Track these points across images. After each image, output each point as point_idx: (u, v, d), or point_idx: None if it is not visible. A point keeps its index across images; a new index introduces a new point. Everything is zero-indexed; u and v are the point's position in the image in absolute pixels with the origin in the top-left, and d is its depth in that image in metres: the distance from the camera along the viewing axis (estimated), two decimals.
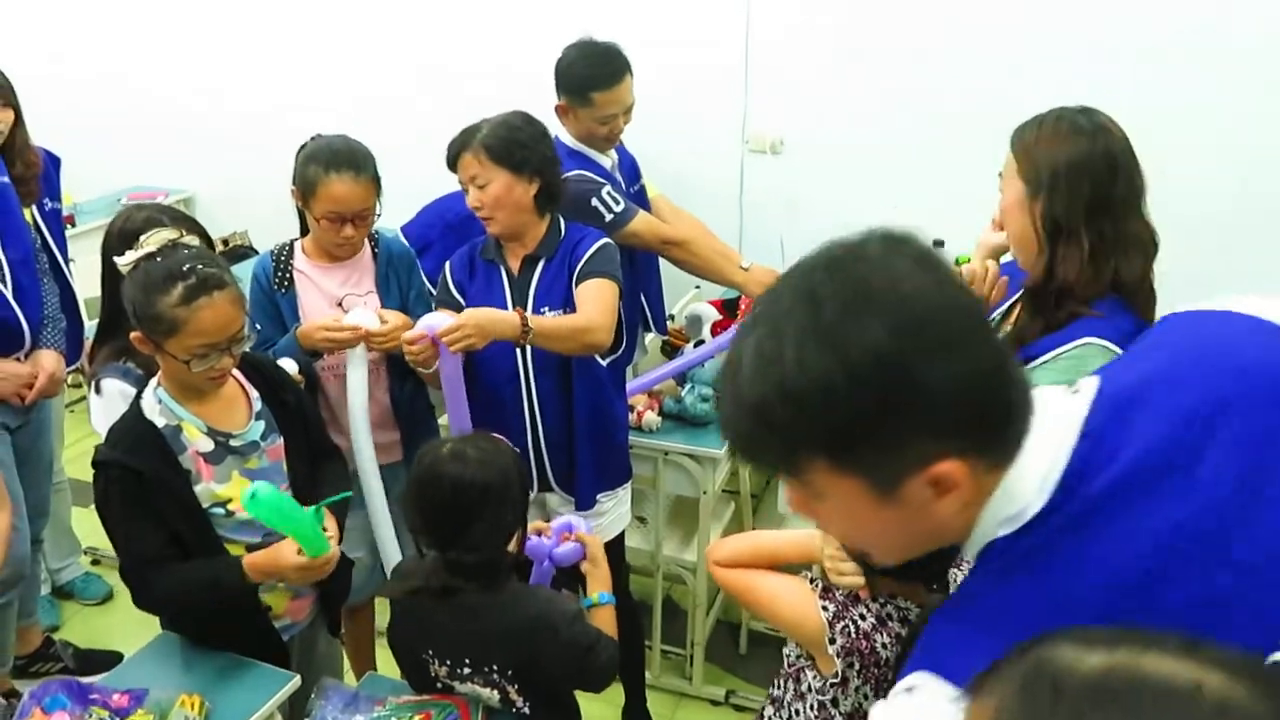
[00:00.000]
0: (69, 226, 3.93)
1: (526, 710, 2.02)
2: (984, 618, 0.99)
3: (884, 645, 1.67)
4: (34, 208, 3.14)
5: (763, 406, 0.93)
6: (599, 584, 2.13)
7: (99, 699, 2.00)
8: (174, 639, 2.26)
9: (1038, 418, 0.98)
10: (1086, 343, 1.70)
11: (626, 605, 2.62)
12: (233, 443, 2.15)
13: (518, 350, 2.54)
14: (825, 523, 1.07)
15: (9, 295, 2.77)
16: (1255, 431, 0.98)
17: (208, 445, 2.11)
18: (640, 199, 3.24)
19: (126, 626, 3.37)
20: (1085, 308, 1.72)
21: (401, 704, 2.08)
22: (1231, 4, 3.28)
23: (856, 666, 1.68)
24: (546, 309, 2.52)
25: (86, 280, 3.06)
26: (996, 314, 1.99)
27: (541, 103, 2.96)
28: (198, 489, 2.09)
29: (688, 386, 3.08)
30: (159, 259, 1.99)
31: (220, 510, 2.12)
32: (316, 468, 2.30)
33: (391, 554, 2.67)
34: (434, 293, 2.73)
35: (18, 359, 2.86)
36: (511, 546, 1.99)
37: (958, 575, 1.53)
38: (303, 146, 2.61)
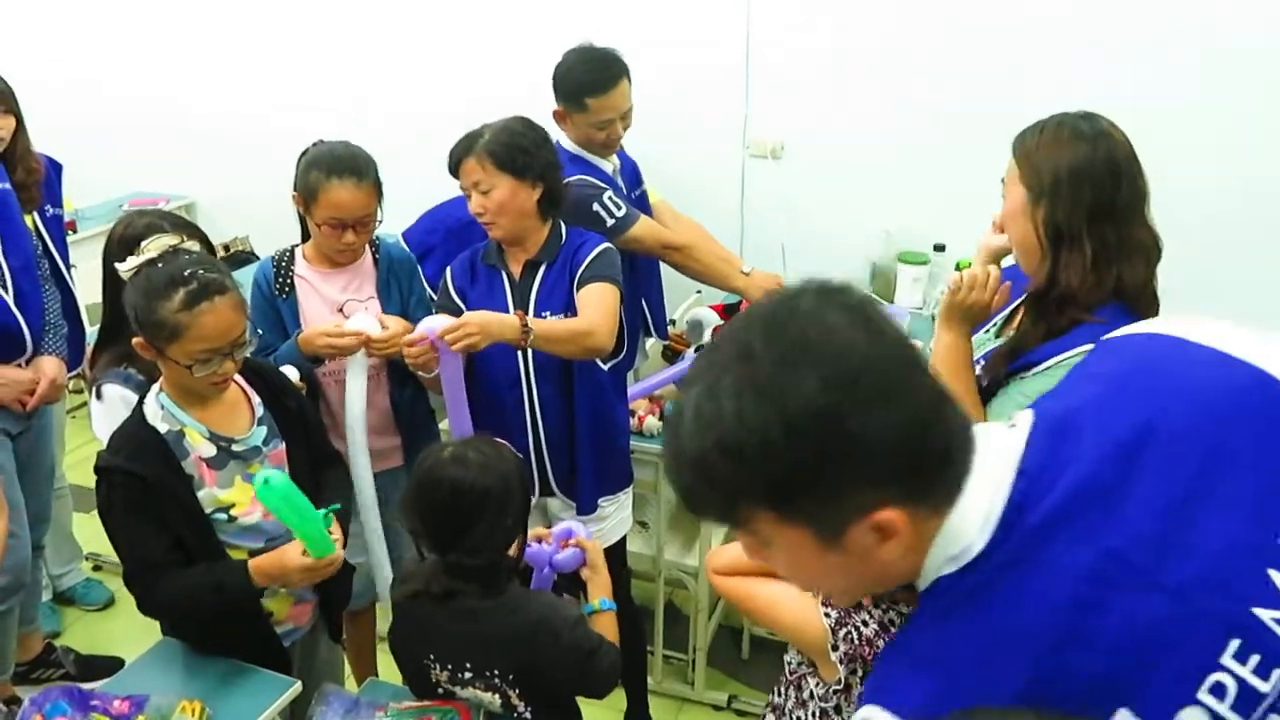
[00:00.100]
0: (70, 233, 3.93)
1: (528, 715, 2.01)
2: (927, 656, 1.01)
3: None
4: (35, 214, 3.14)
5: (704, 461, 0.94)
6: (599, 590, 2.12)
7: (100, 705, 1.99)
8: (175, 645, 2.26)
9: (979, 456, 0.99)
10: (1088, 349, 1.70)
11: (628, 610, 2.62)
12: (235, 448, 2.15)
13: (519, 354, 2.55)
14: (775, 567, 1.09)
15: (10, 301, 2.77)
16: (1187, 456, 1.00)
17: (210, 450, 2.11)
18: (642, 204, 3.24)
19: (128, 632, 3.38)
20: (1087, 314, 1.72)
21: (403, 709, 2.07)
22: (1232, 4, 3.28)
23: (859, 673, 1.67)
24: (548, 314, 2.53)
25: (88, 286, 3.07)
26: (998, 319, 1.99)
27: (543, 107, 2.96)
28: (200, 494, 2.09)
29: None
30: (160, 265, 1.99)
31: (223, 515, 2.12)
32: (318, 473, 2.30)
33: (379, 563, 2.66)
34: (435, 298, 2.73)
35: (19, 365, 2.86)
36: (513, 551, 1.99)
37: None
38: (304, 152, 2.61)
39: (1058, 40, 3.44)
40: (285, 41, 4.57)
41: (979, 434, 1.00)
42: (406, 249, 2.91)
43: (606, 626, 2.07)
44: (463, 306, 2.57)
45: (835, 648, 1.67)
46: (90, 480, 2.10)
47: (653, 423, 3.00)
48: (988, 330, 1.99)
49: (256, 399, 2.22)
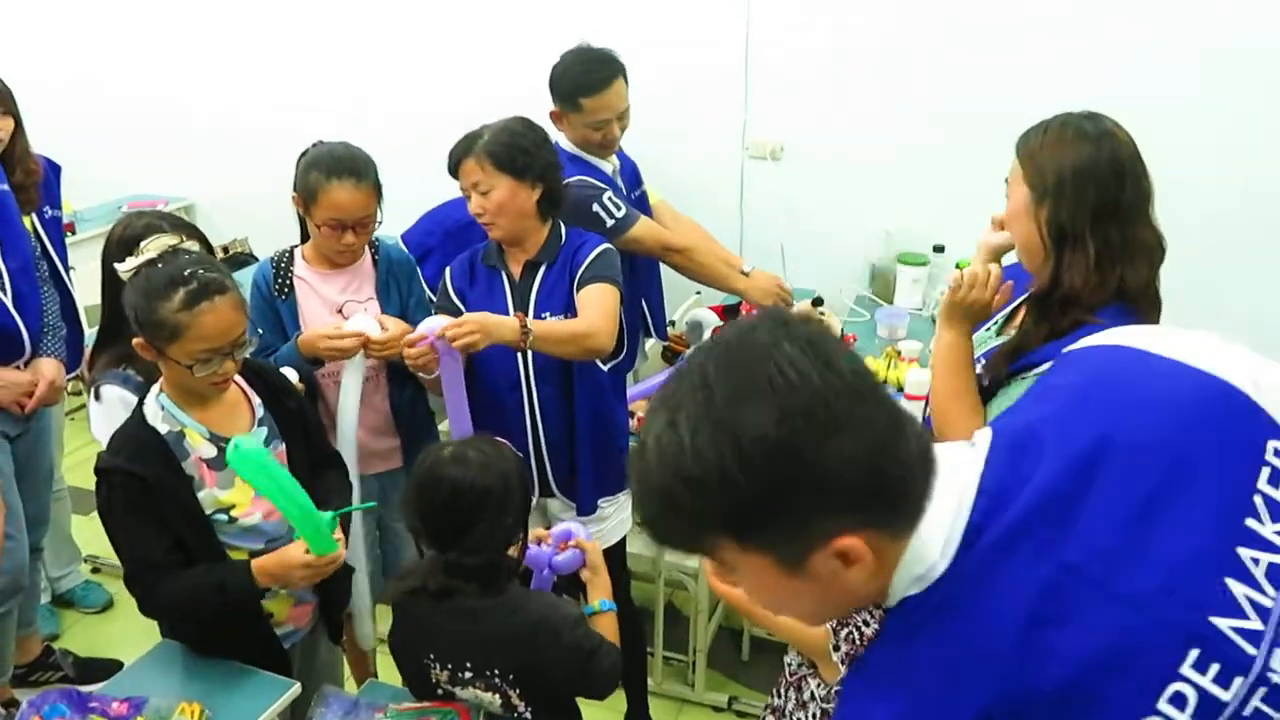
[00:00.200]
0: (69, 234, 3.92)
1: (529, 716, 2.01)
2: (893, 676, 1.02)
3: None
4: (34, 215, 3.13)
5: (666, 492, 0.96)
6: (599, 591, 2.12)
7: (98, 707, 1.99)
8: (175, 647, 2.26)
9: (940, 477, 1.00)
10: None
11: (628, 611, 2.62)
12: None
13: (519, 356, 2.54)
14: (744, 591, 1.11)
15: (9, 303, 2.76)
16: (1148, 467, 1.01)
17: (210, 451, 2.11)
18: (642, 204, 3.24)
19: (127, 635, 3.37)
20: (1090, 315, 1.71)
21: (402, 711, 2.07)
22: (1232, 4, 3.28)
23: None
24: (548, 314, 2.53)
25: (87, 288, 3.06)
26: (999, 318, 1.98)
27: (543, 107, 2.96)
28: (200, 495, 2.09)
29: None
30: (160, 265, 1.99)
31: (223, 516, 2.12)
32: (318, 475, 2.29)
33: (358, 563, 2.64)
34: (434, 300, 2.73)
35: (18, 367, 2.85)
36: (513, 552, 1.99)
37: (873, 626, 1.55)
38: (304, 153, 2.61)
39: (1058, 40, 3.45)
40: (285, 42, 4.57)
41: (939, 455, 1.02)
42: (406, 250, 2.91)
43: (607, 628, 2.07)
44: (462, 308, 2.57)
45: (836, 648, 1.67)
46: (89, 482, 2.09)
47: None
48: (988, 328, 1.98)
49: (257, 400, 2.22)
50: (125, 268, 2.01)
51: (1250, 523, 0.99)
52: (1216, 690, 0.93)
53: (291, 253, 2.70)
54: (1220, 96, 3.32)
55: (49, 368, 2.91)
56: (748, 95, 3.91)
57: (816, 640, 1.69)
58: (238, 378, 2.16)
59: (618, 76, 2.98)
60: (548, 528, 2.23)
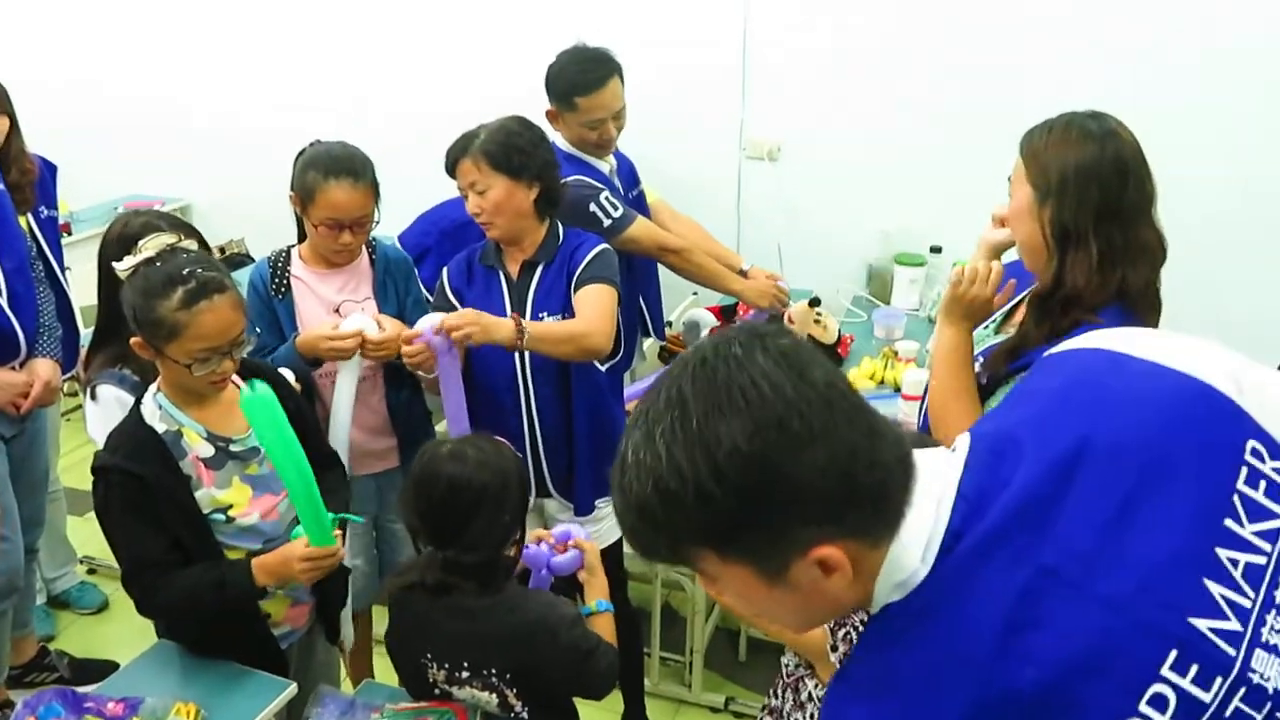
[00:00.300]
0: (65, 235, 3.91)
1: (525, 715, 2.01)
2: (875, 683, 1.02)
3: None
4: (30, 215, 3.12)
5: (644, 505, 0.97)
6: (597, 591, 2.12)
7: (93, 707, 1.99)
8: (171, 647, 2.25)
9: (920, 483, 1.01)
10: None
11: (625, 612, 2.61)
12: (233, 448, 2.14)
13: (516, 356, 2.54)
14: (729, 601, 1.13)
15: (4, 304, 2.75)
16: (1126, 469, 1.01)
17: (208, 450, 2.10)
18: (639, 204, 3.23)
19: (122, 636, 3.36)
20: (1091, 315, 1.71)
21: (399, 710, 2.07)
22: (1232, 4, 3.28)
23: None
24: (545, 314, 2.52)
25: (82, 288, 3.05)
26: (997, 316, 1.98)
27: (542, 107, 2.96)
28: (198, 494, 2.08)
29: None
30: (158, 264, 1.99)
31: (221, 516, 2.11)
32: (316, 475, 2.28)
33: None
34: (431, 300, 2.72)
35: (13, 368, 2.84)
36: (512, 551, 1.98)
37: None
38: (301, 152, 2.60)
39: (1057, 40, 3.45)
40: (284, 42, 4.56)
41: (918, 461, 1.02)
42: (403, 250, 2.90)
43: (604, 628, 2.07)
44: (459, 307, 2.56)
45: (834, 649, 1.66)
46: (85, 483, 2.08)
47: None
48: (986, 326, 1.98)
49: None
50: (123, 266, 2.00)
51: (1229, 523, 1.00)
52: (1196, 691, 0.93)
53: (288, 252, 2.69)
54: (1220, 96, 3.31)
55: (44, 368, 2.90)
56: (745, 95, 3.90)
57: (814, 641, 1.68)
58: (235, 377, 2.15)
59: (613, 76, 2.97)
60: (545, 528, 2.23)
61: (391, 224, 2.81)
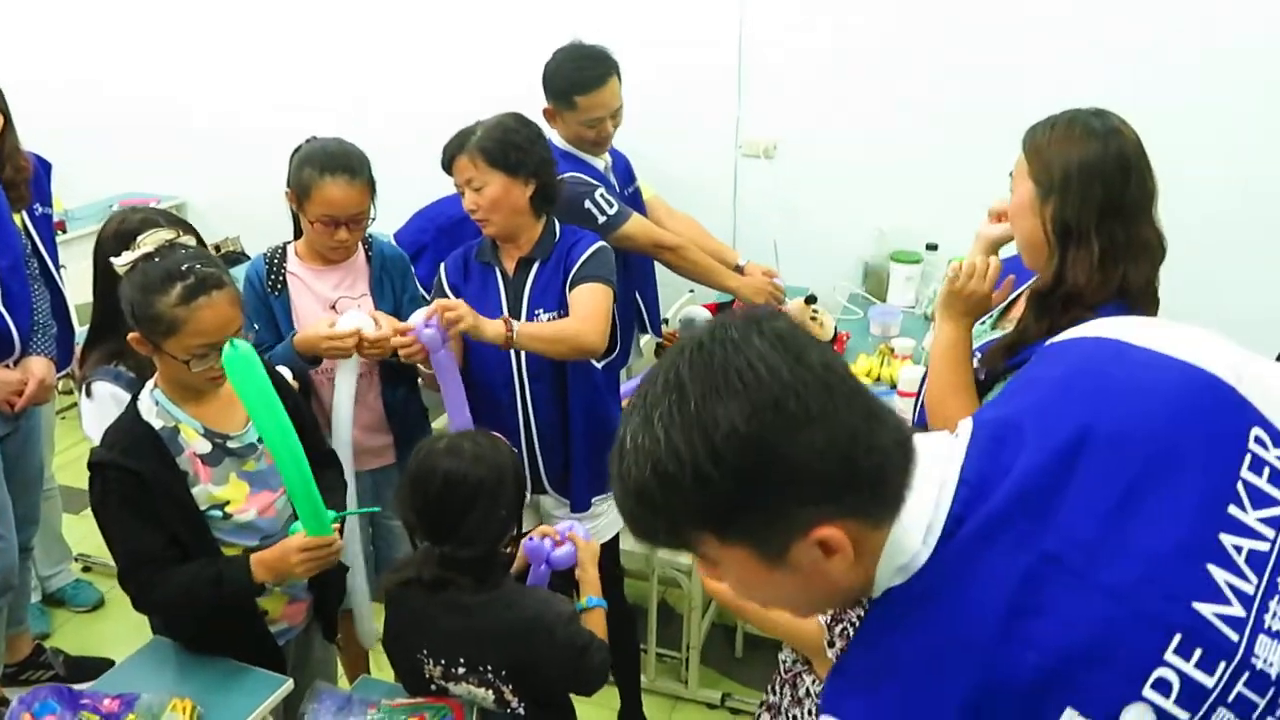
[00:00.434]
0: (60, 233, 3.91)
1: (521, 711, 2.01)
2: (876, 667, 1.02)
3: None
4: (24, 213, 3.12)
5: (643, 490, 0.98)
6: (589, 588, 2.14)
7: (89, 704, 1.99)
8: (166, 644, 2.25)
9: (922, 466, 1.01)
10: None
11: (621, 608, 2.61)
12: (230, 444, 2.13)
13: (512, 354, 2.54)
14: (729, 585, 1.12)
15: None
16: (1130, 457, 1.02)
17: (205, 447, 2.10)
18: (635, 201, 3.23)
19: (118, 634, 3.36)
20: (1090, 312, 1.70)
21: (395, 706, 2.07)
22: (1232, 4, 3.28)
23: None
24: (541, 310, 2.52)
25: (77, 286, 3.04)
26: (995, 311, 1.97)
27: (537, 104, 2.95)
28: (195, 491, 2.08)
29: None
30: (157, 259, 1.98)
31: (218, 512, 2.10)
32: (314, 474, 2.28)
33: (354, 564, 2.63)
34: (427, 297, 2.72)
35: (8, 366, 2.83)
36: (509, 547, 1.98)
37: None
38: (298, 149, 2.59)
39: (1058, 40, 3.45)
40: (283, 42, 4.55)
41: (920, 445, 1.02)
42: (399, 247, 2.90)
43: (596, 624, 2.08)
44: None
45: (831, 644, 1.66)
46: (80, 481, 2.08)
47: None
48: (984, 321, 1.97)
49: None
50: (122, 262, 1.99)
51: (1233, 510, 1.00)
52: (1200, 675, 0.94)
53: (284, 249, 2.68)
54: (1220, 96, 3.32)
55: (39, 366, 2.89)
56: (741, 93, 3.90)
57: (811, 636, 1.68)
58: None
59: (611, 74, 2.97)
60: (541, 524, 2.23)
61: (391, 224, 2.81)
